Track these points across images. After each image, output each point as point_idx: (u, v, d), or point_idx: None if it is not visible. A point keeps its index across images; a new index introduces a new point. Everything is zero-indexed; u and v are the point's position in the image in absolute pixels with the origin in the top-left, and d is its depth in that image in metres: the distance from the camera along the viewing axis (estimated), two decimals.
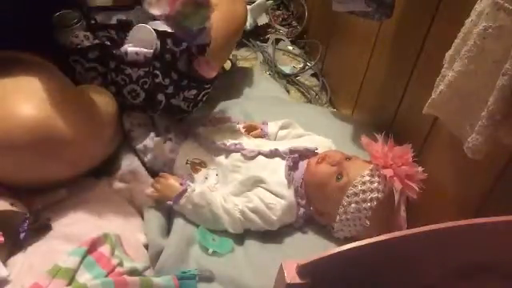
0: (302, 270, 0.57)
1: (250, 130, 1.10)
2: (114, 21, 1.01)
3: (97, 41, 0.98)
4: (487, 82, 0.70)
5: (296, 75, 1.51)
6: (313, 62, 1.54)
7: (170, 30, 1.02)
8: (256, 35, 1.62)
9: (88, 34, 0.97)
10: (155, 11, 0.93)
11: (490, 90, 0.69)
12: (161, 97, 1.05)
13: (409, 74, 1.07)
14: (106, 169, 1.02)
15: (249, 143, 1.02)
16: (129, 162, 1.04)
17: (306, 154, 1.00)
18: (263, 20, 1.63)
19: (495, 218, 0.61)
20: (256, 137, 1.08)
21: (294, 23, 1.70)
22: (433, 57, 0.97)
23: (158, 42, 0.99)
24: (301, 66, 1.55)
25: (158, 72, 1.02)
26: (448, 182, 0.94)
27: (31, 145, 0.82)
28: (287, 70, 1.52)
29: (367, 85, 1.28)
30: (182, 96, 1.06)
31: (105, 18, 1.01)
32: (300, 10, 1.68)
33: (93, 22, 0.98)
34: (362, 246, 0.57)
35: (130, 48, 0.97)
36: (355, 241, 0.58)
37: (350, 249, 0.57)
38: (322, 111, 1.32)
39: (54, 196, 0.92)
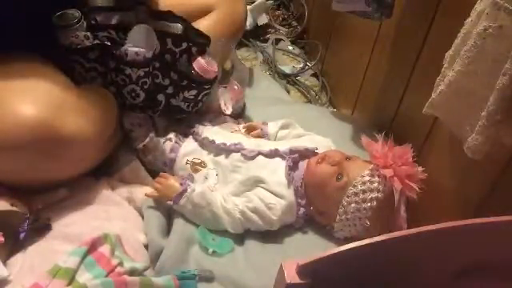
0: (302, 270, 0.57)
1: (250, 129, 1.10)
2: (114, 21, 1.01)
3: (97, 41, 0.98)
4: (487, 82, 0.70)
5: (296, 75, 1.51)
6: (313, 62, 1.54)
7: (170, 31, 1.02)
8: (256, 35, 1.62)
9: (88, 34, 0.97)
10: None
11: (490, 90, 0.69)
12: (160, 97, 1.05)
13: (409, 74, 1.07)
14: (105, 169, 1.02)
15: (249, 143, 1.02)
16: (129, 162, 1.04)
17: (306, 153, 1.00)
18: (263, 20, 1.63)
19: (495, 218, 0.61)
20: (256, 137, 1.08)
21: (294, 23, 1.70)
22: (433, 57, 0.97)
23: (158, 43, 0.99)
24: (301, 66, 1.55)
25: (157, 72, 1.02)
26: (448, 182, 0.94)
27: (32, 145, 0.82)
28: (287, 70, 1.52)
29: (367, 85, 1.28)
30: (182, 96, 1.06)
31: (105, 18, 1.01)
32: (300, 9, 1.68)
33: (93, 22, 0.98)
34: (362, 245, 0.57)
35: (130, 48, 0.97)
36: (355, 241, 0.58)
37: (349, 249, 0.57)
38: (322, 111, 1.32)
39: (54, 196, 0.92)
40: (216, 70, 1.06)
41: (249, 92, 1.33)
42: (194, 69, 1.04)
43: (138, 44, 0.97)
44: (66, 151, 0.86)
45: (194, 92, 1.06)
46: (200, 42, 1.05)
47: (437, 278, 0.66)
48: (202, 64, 1.03)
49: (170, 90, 1.05)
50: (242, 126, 1.12)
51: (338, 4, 1.06)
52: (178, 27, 1.04)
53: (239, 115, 1.19)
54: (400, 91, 1.10)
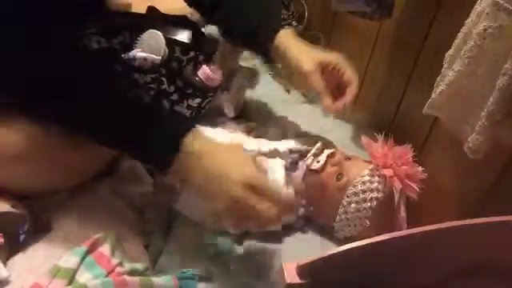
0: (302, 271, 0.57)
1: (250, 130, 1.10)
2: (128, 25, 1.00)
3: (105, 45, 0.98)
4: (487, 82, 0.70)
5: None
6: None
7: (179, 38, 1.02)
8: None
9: (102, 39, 0.96)
10: None
11: (490, 90, 0.69)
12: (165, 103, 1.05)
13: (409, 74, 1.07)
14: (106, 169, 1.02)
15: (249, 143, 1.02)
16: (129, 162, 1.04)
17: (306, 154, 1.00)
18: None
19: (495, 218, 0.61)
20: (256, 137, 1.08)
21: (294, 23, 1.70)
22: (433, 57, 0.97)
23: (167, 50, 0.99)
24: None
25: (163, 79, 1.02)
26: (448, 181, 0.94)
27: (34, 154, 0.82)
28: None
29: (367, 85, 1.28)
30: (186, 104, 1.06)
31: (120, 22, 1.01)
32: (300, 10, 1.68)
33: (108, 26, 0.98)
34: (362, 245, 0.57)
35: (138, 53, 0.97)
36: (355, 241, 0.58)
37: (349, 249, 0.57)
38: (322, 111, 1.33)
39: (54, 197, 0.92)
40: (220, 78, 1.06)
41: (249, 92, 1.33)
42: (198, 76, 1.04)
43: (146, 49, 0.97)
44: (70, 159, 0.86)
45: (198, 100, 1.06)
46: (207, 51, 1.05)
47: (437, 278, 0.66)
48: (207, 72, 1.03)
49: (174, 97, 1.05)
50: (241, 126, 1.12)
51: (338, 4, 1.06)
52: (187, 33, 1.04)
53: (238, 115, 1.19)
54: (400, 91, 1.11)
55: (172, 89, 1.04)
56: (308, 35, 1.62)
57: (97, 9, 0.96)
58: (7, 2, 0.72)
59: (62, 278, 0.77)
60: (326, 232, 0.97)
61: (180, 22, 1.04)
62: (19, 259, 0.83)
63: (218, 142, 0.80)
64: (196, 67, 1.05)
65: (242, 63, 1.48)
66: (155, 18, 1.04)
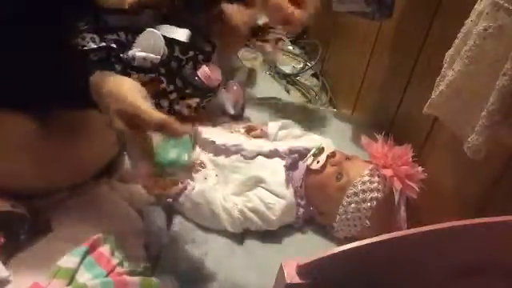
0: (302, 270, 0.57)
1: (250, 130, 1.10)
2: (124, 23, 1.00)
3: (103, 43, 0.98)
4: (487, 82, 0.70)
5: (296, 75, 1.51)
6: (313, 62, 1.54)
7: (178, 38, 1.02)
8: (256, 35, 1.61)
9: (95, 36, 0.96)
10: None
11: (490, 90, 0.69)
12: (164, 103, 1.05)
13: (409, 73, 1.07)
14: (106, 169, 1.02)
15: (249, 144, 1.02)
16: (129, 162, 1.04)
17: (306, 154, 1.00)
18: (263, 20, 1.63)
19: (495, 218, 0.61)
20: (256, 137, 1.08)
21: None
22: (433, 57, 0.97)
23: (166, 49, 0.99)
24: (301, 66, 1.55)
25: (163, 78, 1.02)
26: (448, 182, 0.94)
27: (33, 151, 0.82)
28: (287, 70, 1.52)
29: (367, 85, 1.28)
30: (186, 103, 1.06)
31: (115, 20, 1.01)
32: None
33: (102, 24, 0.98)
34: (362, 245, 0.57)
35: (138, 53, 0.96)
36: (355, 241, 0.58)
37: (350, 249, 0.57)
38: (322, 111, 1.33)
39: (54, 197, 0.92)
40: (220, 78, 1.06)
41: (249, 92, 1.33)
42: (197, 76, 1.04)
43: (146, 49, 0.97)
44: (69, 157, 0.86)
45: (197, 100, 1.06)
46: (206, 50, 1.05)
47: (437, 278, 0.66)
48: (207, 72, 1.03)
49: (173, 96, 1.05)
50: (241, 126, 1.12)
51: (339, 4, 1.06)
52: (185, 32, 1.04)
53: (239, 115, 1.20)
54: (400, 91, 1.11)
55: (171, 88, 1.04)
56: (306, 43, 1.63)
57: (90, 6, 0.96)
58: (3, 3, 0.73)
59: (61, 278, 0.77)
60: (326, 232, 0.97)
61: (177, 20, 1.04)
62: (19, 259, 0.83)
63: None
64: (195, 67, 1.05)
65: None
66: (151, 17, 1.04)
